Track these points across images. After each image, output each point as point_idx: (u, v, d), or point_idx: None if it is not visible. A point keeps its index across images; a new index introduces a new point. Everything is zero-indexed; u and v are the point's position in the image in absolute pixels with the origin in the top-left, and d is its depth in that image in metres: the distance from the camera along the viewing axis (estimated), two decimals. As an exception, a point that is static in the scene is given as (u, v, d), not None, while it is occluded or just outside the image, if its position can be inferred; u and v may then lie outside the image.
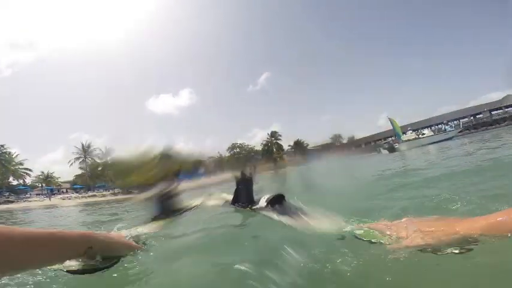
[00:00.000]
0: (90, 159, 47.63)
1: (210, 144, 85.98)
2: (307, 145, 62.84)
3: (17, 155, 42.11)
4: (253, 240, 1.75)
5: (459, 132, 34.77)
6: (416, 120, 51.31)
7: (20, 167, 42.61)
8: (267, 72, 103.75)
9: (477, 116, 47.70)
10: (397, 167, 7.70)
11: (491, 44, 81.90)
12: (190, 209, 4.97)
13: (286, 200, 2.82)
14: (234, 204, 4.00)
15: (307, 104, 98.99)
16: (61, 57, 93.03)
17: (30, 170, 44.34)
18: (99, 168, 48.01)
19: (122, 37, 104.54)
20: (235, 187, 4.12)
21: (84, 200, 31.47)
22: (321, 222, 1.65)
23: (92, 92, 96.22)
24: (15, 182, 42.59)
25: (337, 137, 69.08)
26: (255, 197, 3.79)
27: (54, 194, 40.01)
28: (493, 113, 46.53)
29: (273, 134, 59.88)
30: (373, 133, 60.06)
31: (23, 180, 43.59)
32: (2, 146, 40.01)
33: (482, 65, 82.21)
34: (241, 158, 56.21)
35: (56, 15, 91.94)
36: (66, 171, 58.32)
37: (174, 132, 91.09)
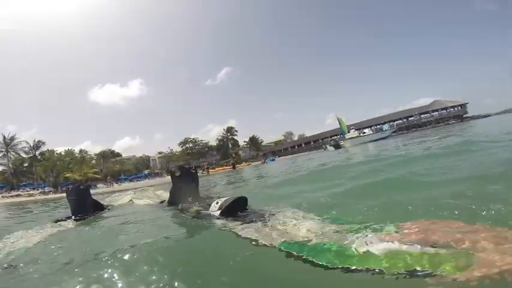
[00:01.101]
0: (13, 153, 40.45)
1: (160, 138, 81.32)
2: (262, 141, 63.85)
3: None
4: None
5: (393, 132, 39.03)
6: (359, 121, 56.13)
7: None
8: (227, 67, 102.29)
9: (409, 119, 54.63)
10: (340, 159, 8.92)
11: (424, 54, 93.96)
12: (109, 208, 4.02)
13: (248, 205, 2.22)
14: (171, 206, 3.15)
15: (264, 102, 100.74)
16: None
17: None
18: (25, 164, 41.52)
19: (64, 14, 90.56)
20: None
21: (7, 200, 26.76)
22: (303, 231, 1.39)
23: (20, 76, 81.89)
24: None
25: (289, 134, 71.89)
26: (203, 199, 2.97)
27: (-34, 194, 32.97)
28: (422, 116, 53.93)
29: (229, 130, 59.17)
30: (322, 131, 63.75)
31: None
32: None
33: (415, 73, 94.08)
34: (193, 154, 54.12)
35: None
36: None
37: (119, 124, 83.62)
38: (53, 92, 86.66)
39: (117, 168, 45.30)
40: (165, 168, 51.73)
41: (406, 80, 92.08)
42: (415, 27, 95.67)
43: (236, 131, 59.60)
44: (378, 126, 48.85)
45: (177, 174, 3.20)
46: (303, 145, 61.40)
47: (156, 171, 49.85)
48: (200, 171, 42.25)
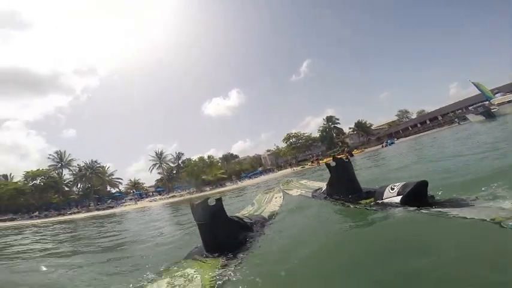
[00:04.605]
0: (165, 164, 53.86)
1: (265, 137, 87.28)
2: (371, 125, 57.68)
3: (108, 167, 50.74)
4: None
5: None
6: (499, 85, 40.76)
7: (113, 177, 51.26)
8: (307, 59, 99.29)
9: None
10: None
11: None
12: (255, 225, 2.71)
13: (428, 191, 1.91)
14: (331, 197, 3.00)
15: (360, 84, 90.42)
16: (121, 78, 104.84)
17: (121, 179, 53.37)
18: (174, 172, 54.02)
19: (170, 50, 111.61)
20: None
21: (166, 200, 35.70)
22: None
23: (154, 105, 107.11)
24: (113, 190, 51.97)
25: (403, 113, 61.62)
26: (364, 187, 2.79)
27: (142, 198, 46.95)
28: None
29: (330, 119, 56.59)
30: (444, 105, 50.99)
31: (118, 188, 52.53)
32: (96, 161, 48.62)
33: None
34: (299, 148, 55.07)
35: (109, 32, 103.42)
36: (150, 177, 68.03)
37: (231, 131, 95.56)
38: (182, 113, 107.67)
39: (237, 168, 52.56)
40: (274, 164, 55.78)
41: None
42: None
43: (337, 119, 56.49)
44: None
45: (333, 164, 2.95)
46: (428, 122, 50.51)
47: (268, 167, 54.04)
48: (309, 163, 42.76)
